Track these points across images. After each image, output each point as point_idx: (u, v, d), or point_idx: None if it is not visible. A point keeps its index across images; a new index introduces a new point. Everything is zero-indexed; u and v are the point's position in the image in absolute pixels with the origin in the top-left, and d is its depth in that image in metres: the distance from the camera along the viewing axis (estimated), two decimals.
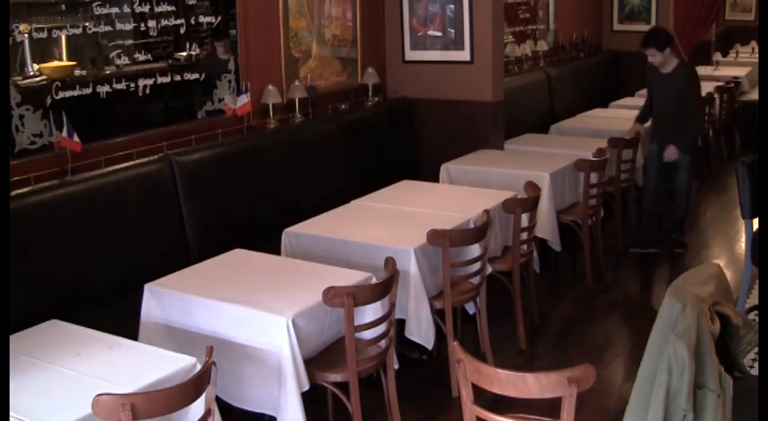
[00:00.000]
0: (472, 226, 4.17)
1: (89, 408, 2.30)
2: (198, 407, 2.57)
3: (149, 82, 4.43)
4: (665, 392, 2.25)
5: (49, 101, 3.94)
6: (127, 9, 4.30)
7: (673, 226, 5.95)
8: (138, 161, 4.25)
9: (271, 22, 5.21)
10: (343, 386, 3.25)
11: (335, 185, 5.22)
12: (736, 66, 10.60)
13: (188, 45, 4.68)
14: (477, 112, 5.94)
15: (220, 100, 4.89)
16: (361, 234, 4.00)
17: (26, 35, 3.84)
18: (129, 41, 4.35)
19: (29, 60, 3.91)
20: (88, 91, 4.13)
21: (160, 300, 3.36)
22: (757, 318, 3.52)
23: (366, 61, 6.05)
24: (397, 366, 3.49)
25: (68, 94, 4.03)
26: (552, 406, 2.41)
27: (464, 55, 5.94)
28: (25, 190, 3.69)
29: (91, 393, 2.31)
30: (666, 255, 5.86)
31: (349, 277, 3.38)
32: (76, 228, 3.78)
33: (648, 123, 6.06)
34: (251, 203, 4.67)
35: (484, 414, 2.49)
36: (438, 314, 3.90)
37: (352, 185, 5.08)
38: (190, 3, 4.65)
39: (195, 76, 4.72)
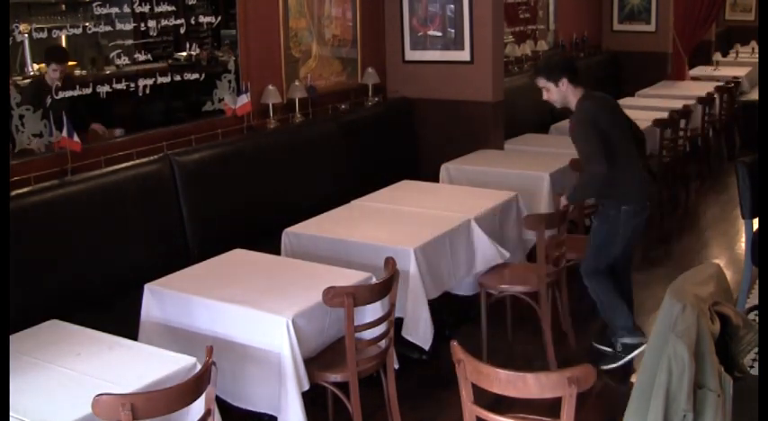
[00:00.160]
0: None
1: (89, 408, 2.30)
2: (198, 407, 2.57)
3: (149, 82, 4.43)
4: (665, 392, 2.25)
5: (48, 101, 3.94)
6: (127, 9, 4.30)
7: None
8: (138, 161, 4.25)
9: (271, 22, 5.21)
10: (343, 386, 3.25)
11: (335, 185, 5.22)
12: (736, 66, 10.61)
13: (188, 45, 4.68)
14: (477, 112, 5.94)
15: (220, 100, 4.89)
16: (361, 234, 4.00)
17: (26, 35, 3.84)
18: (129, 41, 4.35)
19: (29, 60, 3.91)
20: (88, 91, 4.13)
21: (160, 300, 3.36)
22: (757, 318, 3.52)
23: (366, 61, 6.05)
24: (397, 366, 3.49)
25: (68, 94, 4.03)
26: (552, 406, 2.41)
27: (464, 55, 5.94)
28: (25, 190, 3.69)
29: (91, 393, 2.31)
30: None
31: (349, 277, 3.38)
32: (76, 228, 3.78)
33: None
34: (251, 203, 4.67)
35: (484, 414, 2.49)
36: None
37: (352, 185, 5.08)
38: (190, 3, 4.65)
39: (195, 76, 4.72)
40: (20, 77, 3.88)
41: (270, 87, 5.12)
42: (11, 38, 3.76)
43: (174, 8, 4.54)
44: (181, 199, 4.29)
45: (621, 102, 8.17)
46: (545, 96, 4.17)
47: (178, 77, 4.61)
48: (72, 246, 3.74)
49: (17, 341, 2.87)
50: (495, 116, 5.97)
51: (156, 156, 4.33)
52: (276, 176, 4.89)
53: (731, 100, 8.85)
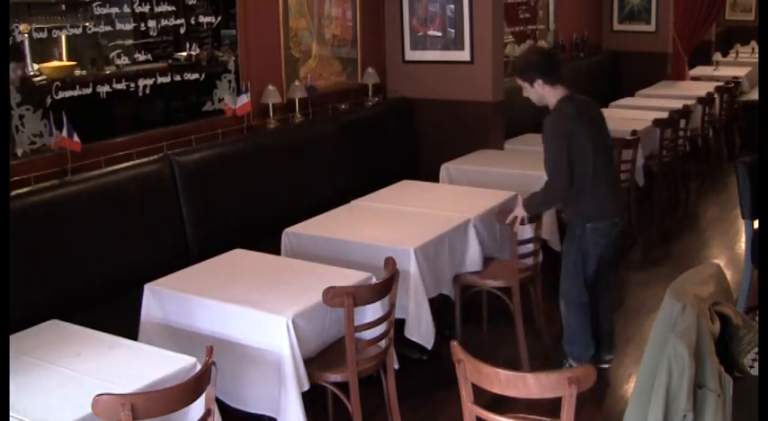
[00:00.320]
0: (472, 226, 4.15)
1: (89, 408, 2.30)
2: (198, 407, 2.57)
3: (149, 82, 4.43)
4: (664, 392, 2.25)
5: (49, 101, 3.94)
6: (127, 9, 4.30)
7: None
8: (138, 161, 4.25)
9: (271, 22, 5.21)
10: (343, 386, 3.25)
11: (335, 185, 5.22)
12: (736, 66, 10.61)
13: (188, 45, 4.68)
14: (477, 112, 5.94)
15: (220, 100, 4.89)
16: (361, 234, 4.00)
17: (26, 35, 3.84)
18: (129, 41, 4.35)
19: (29, 60, 3.91)
20: (88, 91, 4.13)
21: (160, 300, 3.36)
22: (757, 318, 3.52)
23: (366, 61, 6.05)
24: (397, 366, 3.49)
25: (68, 94, 4.03)
26: (552, 406, 2.41)
27: (464, 55, 5.94)
28: (25, 190, 3.69)
29: (91, 393, 2.32)
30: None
31: (349, 277, 3.38)
32: (76, 228, 3.78)
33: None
34: (251, 203, 4.67)
35: (484, 414, 2.49)
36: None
37: (352, 185, 5.08)
38: (190, 3, 4.65)
39: (195, 76, 4.72)
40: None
41: (270, 87, 5.12)
42: (11, 38, 3.76)
43: (174, 8, 4.54)
44: (181, 199, 4.29)
45: (621, 102, 8.27)
46: (524, 93, 4.02)
47: (178, 77, 4.62)
48: (72, 246, 3.74)
49: (17, 341, 2.87)
50: (495, 116, 5.97)
51: (156, 156, 4.33)
52: (276, 176, 4.89)
53: (731, 100, 8.86)
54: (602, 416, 3.74)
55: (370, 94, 6.01)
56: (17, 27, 3.79)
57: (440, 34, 6.04)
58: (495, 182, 5.07)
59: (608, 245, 3.95)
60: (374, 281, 3.37)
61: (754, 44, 11.28)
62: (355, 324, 3.17)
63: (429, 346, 3.86)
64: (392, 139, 5.94)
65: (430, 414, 3.79)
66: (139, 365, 2.75)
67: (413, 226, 4.10)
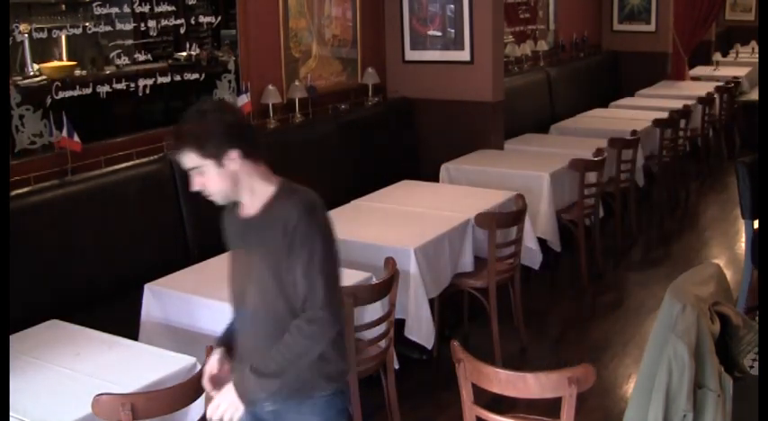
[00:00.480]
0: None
1: (89, 408, 2.31)
2: (198, 407, 2.57)
3: (149, 82, 4.43)
4: (664, 392, 2.25)
5: (49, 101, 3.94)
6: (127, 9, 4.29)
7: None
8: (138, 161, 4.25)
9: (271, 22, 5.21)
10: None
11: (335, 185, 5.22)
12: (736, 66, 10.61)
13: (188, 45, 4.68)
14: (477, 112, 5.94)
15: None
16: (361, 234, 4.00)
17: (26, 35, 3.84)
18: (129, 41, 4.35)
19: (29, 60, 3.91)
20: (88, 91, 4.13)
21: (160, 300, 3.36)
22: (757, 318, 3.52)
23: (366, 61, 6.05)
24: (397, 366, 3.49)
25: (68, 93, 4.03)
26: (552, 406, 2.41)
27: (464, 55, 5.94)
28: (25, 190, 3.69)
29: (91, 393, 2.32)
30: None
31: (349, 277, 3.38)
32: (76, 228, 3.78)
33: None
34: None
35: (484, 414, 2.49)
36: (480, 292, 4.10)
37: (351, 185, 5.08)
38: (190, 3, 4.65)
39: (195, 75, 4.71)
40: (19, 77, 3.87)
41: (270, 87, 5.12)
42: (11, 38, 3.76)
43: (174, 8, 4.53)
44: (181, 199, 4.29)
45: (621, 102, 8.28)
46: (195, 184, 2.38)
47: (178, 77, 4.61)
48: (72, 246, 3.74)
49: (17, 341, 2.88)
50: (495, 116, 5.96)
51: (156, 156, 4.33)
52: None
53: (731, 100, 8.86)
54: (602, 416, 3.74)
55: (370, 94, 6.01)
56: (17, 27, 3.79)
57: (440, 34, 6.04)
58: (495, 182, 5.08)
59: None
60: (374, 281, 3.37)
61: (754, 44, 11.28)
62: (355, 324, 3.17)
63: (429, 346, 3.86)
64: (392, 139, 5.94)
65: (430, 414, 3.79)
66: (139, 365, 2.75)
67: (413, 226, 4.10)
